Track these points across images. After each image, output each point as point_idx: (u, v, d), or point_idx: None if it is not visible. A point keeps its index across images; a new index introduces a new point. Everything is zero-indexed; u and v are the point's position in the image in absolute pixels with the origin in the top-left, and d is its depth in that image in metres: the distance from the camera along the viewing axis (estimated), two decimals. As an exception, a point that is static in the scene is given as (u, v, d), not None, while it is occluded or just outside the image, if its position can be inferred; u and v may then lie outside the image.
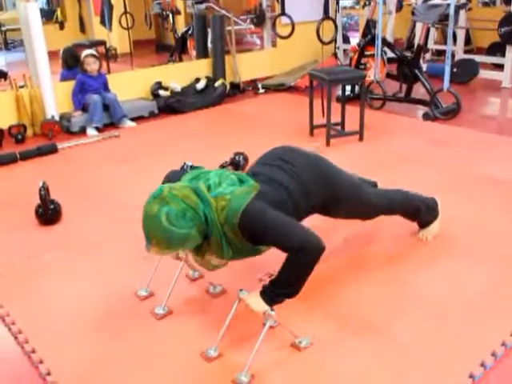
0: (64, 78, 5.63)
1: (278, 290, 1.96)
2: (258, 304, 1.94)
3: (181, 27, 7.81)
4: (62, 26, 8.18)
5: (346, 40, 8.17)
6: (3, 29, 6.94)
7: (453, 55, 6.08)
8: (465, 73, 6.51)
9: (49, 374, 1.97)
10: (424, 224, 2.80)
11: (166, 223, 1.87)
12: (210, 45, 6.57)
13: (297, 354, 2.01)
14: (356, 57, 5.97)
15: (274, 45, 7.20)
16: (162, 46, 8.42)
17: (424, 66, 6.39)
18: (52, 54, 5.29)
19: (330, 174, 2.38)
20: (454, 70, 6.25)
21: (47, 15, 8.00)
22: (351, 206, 2.49)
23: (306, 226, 2.04)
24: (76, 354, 2.07)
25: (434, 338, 2.06)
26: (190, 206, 1.92)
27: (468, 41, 7.75)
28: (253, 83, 6.73)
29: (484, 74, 6.53)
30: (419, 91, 5.53)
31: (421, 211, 2.74)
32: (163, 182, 2.34)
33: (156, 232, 1.89)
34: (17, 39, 6.60)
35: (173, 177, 2.31)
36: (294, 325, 2.06)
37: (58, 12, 8.18)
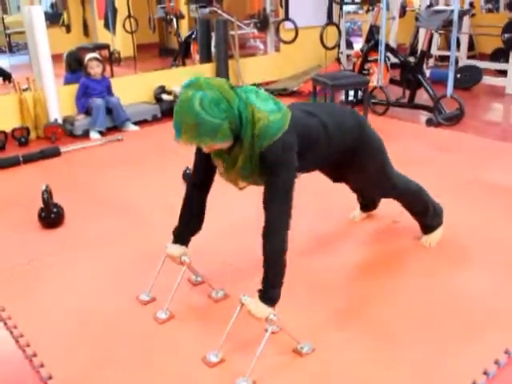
0: (67, 82, 5.64)
1: (269, 283, 1.96)
2: (260, 309, 1.93)
3: (184, 31, 7.82)
4: (68, 30, 8.18)
5: (350, 45, 8.18)
6: (7, 32, 6.95)
7: (456, 61, 6.08)
8: (468, 79, 6.50)
9: (50, 377, 1.96)
10: (428, 228, 2.80)
11: (199, 108, 1.81)
12: (213, 49, 6.57)
13: (299, 360, 2.01)
14: (359, 62, 5.97)
15: (277, 49, 7.21)
16: (166, 50, 8.42)
17: (427, 72, 6.39)
18: (56, 57, 5.30)
19: (365, 123, 2.43)
20: (458, 75, 6.24)
21: (53, 18, 8.00)
22: (371, 166, 2.47)
23: (290, 206, 2.01)
24: (77, 358, 2.07)
25: (437, 345, 2.06)
26: (225, 96, 1.87)
27: (471, 47, 7.75)
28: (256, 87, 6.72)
29: (487, 80, 6.53)
30: (422, 97, 5.53)
31: (429, 210, 2.73)
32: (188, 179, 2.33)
33: (187, 117, 1.83)
34: (21, 42, 6.60)
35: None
36: (296, 330, 2.06)
37: (65, 15, 8.19)
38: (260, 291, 1.96)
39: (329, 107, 2.40)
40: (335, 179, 2.68)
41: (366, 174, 2.51)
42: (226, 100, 1.87)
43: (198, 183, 2.27)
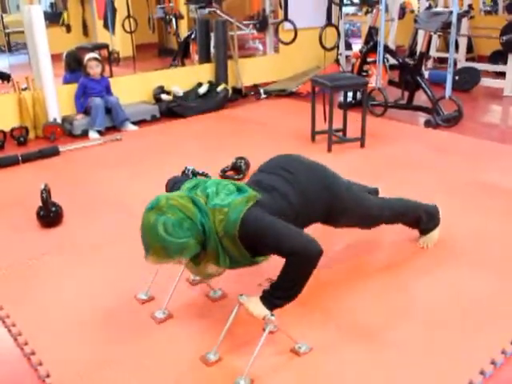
0: (67, 81, 5.65)
1: (278, 294, 1.96)
2: (258, 309, 1.94)
3: (184, 32, 7.83)
4: (68, 29, 8.19)
5: (348, 46, 8.19)
6: (7, 31, 6.95)
7: (455, 63, 6.09)
8: (467, 81, 6.52)
9: (48, 376, 1.97)
10: (424, 231, 2.80)
11: (163, 233, 1.87)
12: (212, 49, 6.58)
13: (296, 360, 2.01)
14: (358, 63, 5.98)
15: (276, 50, 7.23)
16: (165, 50, 8.43)
17: (426, 74, 6.41)
18: (55, 57, 5.30)
19: (333, 184, 2.37)
20: (456, 77, 6.26)
21: (53, 18, 8.00)
22: (353, 217, 2.50)
23: (303, 231, 2.04)
24: (75, 357, 2.07)
25: (434, 346, 2.06)
26: (187, 215, 1.91)
27: (470, 49, 7.76)
28: (255, 88, 6.75)
29: (486, 82, 6.54)
30: (421, 98, 5.54)
31: (422, 220, 2.74)
32: (166, 190, 2.35)
33: (153, 242, 1.89)
34: (20, 42, 6.60)
35: (173, 185, 2.32)
36: (294, 330, 2.06)
37: (65, 15, 8.19)
38: (264, 292, 1.97)
39: (297, 176, 2.26)
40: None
41: (350, 222, 2.54)
42: (188, 218, 1.91)
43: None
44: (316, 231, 2.62)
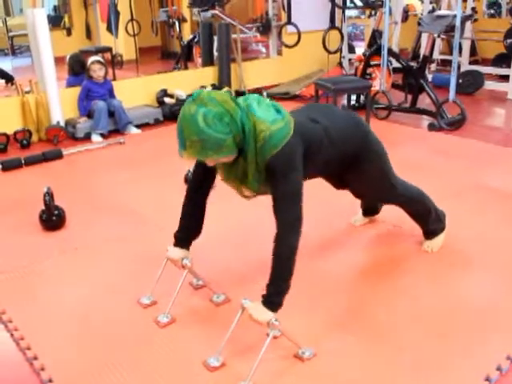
0: (70, 84, 5.65)
1: (273, 290, 1.95)
2: (261, 313, 1.93)
3: (187, 35, 7.84)
4: (69, 32, 8.20)
5: (352, 49, 8.19)
6: (10, 34, 6.97)
7: (458, 66, 6.08)
8: (470, 84, 6.51)
9: (50, 380, 1.96)
10: (430, 233, 2.79)
11: (203, 124, 1.83)
12: (215, 53, 6.58)
13: (300, 365, 2.00)
14: (362, 66, 5.98)
15: (279, 53, 7.22)
16: (168, 54, 8.45)
17: (429, 77, 6.40)
18: (59, 60, 5.31)
19: (367, 130, 2.44)
20: (460, 80, 6.25)
21: (54, 21, 8.03)
22: (374, 173, 2.48)
23: (301, 212, 2.00)
24: (78, 362, 2.06)
25: (439, 351, 2.05)
26: (227, 110, 1.88)
27: (473, 52, 7.75)
28: (258, 91, 6.74)
29: (489, 85, 6.53)
30: (424, 101, 5.53)
31: (431, 215, 2.73)
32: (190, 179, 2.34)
33: (191, 132, 1.84)
34: (23, 45, 6.63)
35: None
36: (298, 335, 2.05)
37: (66, 18, 8.21)
38: (263, 296, 1.96)
39: (332, 113, 2.38)
40: (338, 186, 2.68)
41: (369, 180, 2.52)
42: (228, 114, 1.88)
43: (198, 187, 2.27)
44: (317, 235, 2.63)
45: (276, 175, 1.97)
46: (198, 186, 2.27)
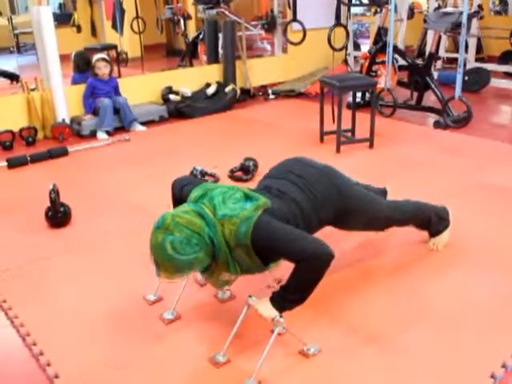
0: (75, 82, 5.66)
1: (288, 297, 1.95)
2: (267, 310, 1.93)
3: (192, 32, 7.84)
4: (79, 30, 8.22)
5: (357, 47, 8.17)
6: (16, 32, 6.98)
7: (464, 63, 6.07)
8: (476, 81, 6.48)
9: (56, 376, 1.96)
10: (434, 233, 2.78)
11: (172, 251, 1.87)
12: (220, 50, 6.58)
13: (305, 362, 2.00)
14: (367, 64, 5.96)
15: (284, 51, 7.21)
16: (173, 51, 8.44)
17: (435, 74, 6.38)
18: (64, 58, 5.31)
19: (342, 186, 2.37)
20: (466, 78, 6.22)
21: (63, 19, 8.04)
22: (363, 219, 2.49)
23: (314, 236, 2.03)
24: (83, 358, 2.07)
25: (444, 349, 2.04)
26: (194, 231, 1.91)
27: (479, 49, 7.72)
28: (263, 89, 6.74)
29: (496, 82, 6.50)
30: (430, 99, 5.52)
31: (432, 221, 2.73)
32: (172, 193, 2.36)
33: (163, 260, 1.90)
34: (29, 42, 6.64)
35: (180, 188, 2.30)
36: (303, 332, 2.05)
37: (76, 16, 8.22)
38: (274, 294, 1.96)
39: (307, 179, 2.28)
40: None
41: (360, 225, 2.55)
42: (195, 234, 1.91)
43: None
44: (324, 234, 2.61)
45: (268, 246, 1.97)
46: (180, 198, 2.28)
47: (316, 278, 1.94)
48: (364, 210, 2.45)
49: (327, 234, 2.87)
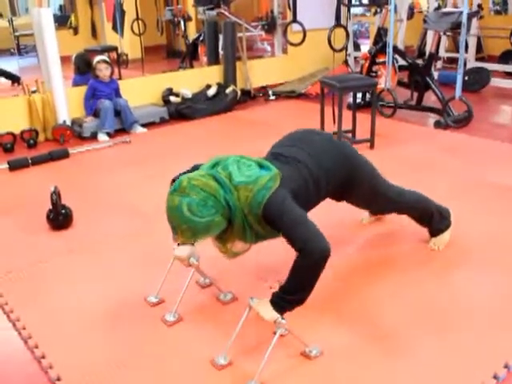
0: (76, 84, 5.67)
1: (287, 297, 1.95)
2: (268, 312, 1.93)
3: (192, 33, 7.84)
4: (76, 32, 8.23)
5: (357, 47, 8.17)
6: (16, 34, 6.99)
7: (464, 63, 6.07)
8: (476, 81, 6.48)
9: (58, 379, 1.97)
10: (435, 232, 2.78)
11: (188, 214, 1.89)
12: (221, 51, 6.59)
13: (307, 363, 2.00)
14: (367, 64, 5.96)
15: (284, 52, 7.21)
16: (173, 53, 8.45)
17: (435, 74, 6.38)
18: (65, 59, 5.32)
19: (351, 154, 2.42)
20: (466, 78, 6.22)
21: (61, 20, 8.05)
22: (368, 192, 2.50)
23: (317, 228, 2.01)
24: (86, 360, 2.07)
25: (446, 349, 2.05)
26: (210, 193, 1.92)
27: (479, 49, 7.72)
28: (264, 90, 6.74)
29: (496, 82, 6.50)
30: (430, 99, 5.52)
31: (434, 217, 2.73)
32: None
33: (180, 223, 1.92)
34: (29, 44, 6.65)
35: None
36: (305, 333, 2.05)
37: (72, 17, 8.23)
38: (274, 295, 1.96)
39: (317, 147, 2.33)
40: (337, 201, 2.68)
41: (364, 199, 2.57)
42: (211, 196, 1.92)
43: None
44: (325, 233, 2.61)
45: (275, 220, 1.99)
46: None
47: (314, 275, 1.94)
48: (369, 183, 2.48)
49: (330, 233, 2.87)
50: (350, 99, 5.11)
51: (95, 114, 5.20)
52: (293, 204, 2.03)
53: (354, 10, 7.75)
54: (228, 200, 1.95)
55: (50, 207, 3.16)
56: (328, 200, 3.17)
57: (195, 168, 2.25)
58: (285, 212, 1.98)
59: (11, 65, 6.51)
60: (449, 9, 6.53)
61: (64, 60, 5.28)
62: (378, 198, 2.57)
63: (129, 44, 7.66)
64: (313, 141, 2.36)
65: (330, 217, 3.11)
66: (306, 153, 2.26)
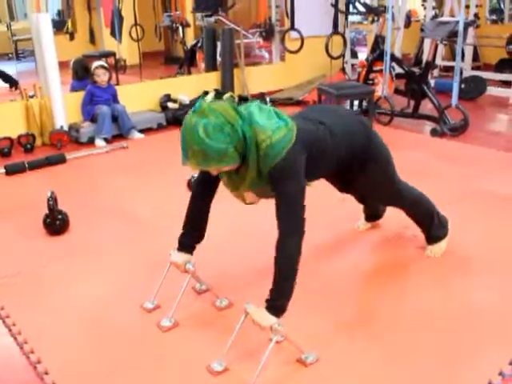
0: (74, 89, 5.67)
1: (276, 295, 1.96)
2: (264, 318, 1.93)
3: (190, 40, 7.85)
4: (72, 37, 8.24)
5: (354, 55, 8.21)
6: (14, 39, 7.00)
7: (461, 72, 6.09)
8: (473, 89, 6.51)
9: (54, 384, 1.97)
10: (433, 239, 2.79)
11: (203, 135, 1.86)
12: (218, 58, 6.60)
13: (303, 370, 2.00)
14: (364, 72, 5.99)
15: (282, 59, 7.24)
16: (172, 59, 8.47)
17: (432, 82, 6.40)
18: (62, 65, 5.32)
19: (372, 131, 2.47)
20: (462, 86, 6.25)
21: (58, 26, 8.06)
22: (378, 175, 2.50)
23: (303, 213, 2.02)
24: (81, 366, 2.07)
25: (442, 356, 2.05)
26: (228, 120, 1.91)
27: (476, 57, 7.76)
28: (261, 97, 6.75)
29: (492, 90, 6.53)
30: (427, 107, 5.54)
31: (434, 220, 2.74)
32: (192, 191, 2.38)
33: (192, 143, 1.89)
34: (27, 49, 6.65)
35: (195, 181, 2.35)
36: (301, 340, 2.05)
37: (69, 23, 8.25)
38: (267, 301, 1.96)
39: (338, 114, 2.40)
40: (342, 188, 2.69)
41: (373, 182, 2.53)
42: (229, 124, 1.91)
43: (202, 192, 2.29)
44: (321, 240, 2.63)
45: (278, 181, 2.00)
46: (202, 191, 2.29)
47: (294, 262, 1.97)
48: (384, 162, 2.49)
49: (325, 240, 2.88)
50: (347, 106, 5.13)
51: (93, 119, 5.21)
52: (301, 172, 2.02)
53: (351, 18, 7.80)
54: (245, 132, 1.94)
55: (47, 212, 3.16)
56: (325, 207, 3.19)
57: (190, 184, 2.27)
58: (291, 181, 1.99)
59: (9, 69, 6.51)
60: (446, 18, 6.56)
61: (62, 65, 5.29)
62: (385, 184, 2.56)
63: (127, 50, 7.67)
64: (336, 110, 2.44)
65: (327, 223, 3.13)
66: (329, 118, 2.28)
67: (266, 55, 8.16)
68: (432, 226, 2.76)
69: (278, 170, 1.97)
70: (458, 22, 4.86)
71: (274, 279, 1.97)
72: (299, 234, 1.99)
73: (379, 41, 5.89)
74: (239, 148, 1.94)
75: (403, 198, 2.65)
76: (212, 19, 6.73)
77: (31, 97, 5.17)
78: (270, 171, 1.98)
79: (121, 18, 7.52)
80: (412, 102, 5.47)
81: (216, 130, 1.87)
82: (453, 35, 4.98)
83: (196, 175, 3.69)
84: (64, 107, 5.14)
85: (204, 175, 2.25)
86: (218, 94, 5.90)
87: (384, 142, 2.51)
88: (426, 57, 5.76)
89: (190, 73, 7.24)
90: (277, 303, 1.95)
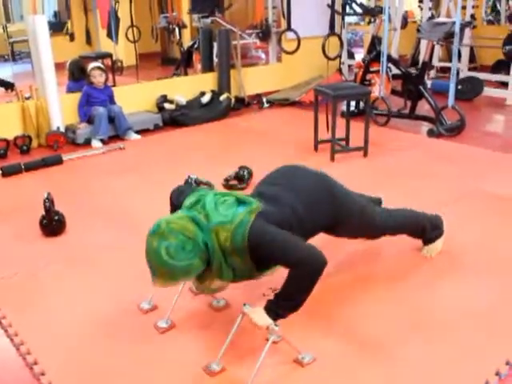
0: (70, 90, 5.67)
1: (282, 305, 1.96)
2: (261, 318, 1.93)
3: (187, 41, 7.85)
4: (72, 38, 8.24)
5: (351, 55, 8.21)
6: (11, 40, 6.99)
7: (457, 73, 6.10)
8: (469, 90, 6.52)
9: (50, 386, 1.96)
10: (428, 241, 2.80)
11: (166, 257, 1.88)
12: (215, 59, 6.60)
13: (300, 370, 2.00)
14: (361, 73, 5.99)
15: (279, 60, 7.24)
16: (168, 60, 8.47)
17: (428, 83, 6.42)
18: (59, 66, 5.32)
19: (337, 192, 2.38)
20: (459, 87, 6.26)
21: (57, 27, 8.06)
22: (357, 226, 2.50)
23: (308, 243, 2.04)
24: (78, 367, 2.07)
25: (438, 357, 2.05)
26: (188, 237, 1.92)
27: (472, 58, 7.78)
28: (258, 97, 6.75)
29: (488, 91, 6.54)
30: (423, 108, 5.55)
31: (426, 230, 2.74)
32: (170, 202, 2.37)
33: (158, 266, 1.91)
34: (24, 51, 6.64)
35: (178, 196, 2.32)
36: (298, 340, 2.05)
37: (69, 24, 8.25)
38: (268, 302, 1.97)
39: (300, 185, 2.30)
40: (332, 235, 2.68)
41: (352, 232, 2.56)
42: (189, 240, 1.92)
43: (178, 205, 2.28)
44: (319, 241, 2.62)
45: (265, 247, 1.98)
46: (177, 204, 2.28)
47: (309, 285, 1.95)
48: (358, 216, 2.47)
49: (321, 242, 2.87)
50: (344, 107, 5.13)
51: (89, 120, 5.20)
52: (274, 228, 2.02)
53: (348, 19, 7.80)
54: (206, 241, 1.95)
55: (43, 213, 3.15)
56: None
57: (179, 194, 2.29)
58: (271, 236, 1.98)
59: (5, 71, 6.50)
60: (442, 19, 6.58)
61: (58, 66, 5.28)
62: (368, 228, 2.58)
63: (123, 51, 7.67)
64: (300, 180, 2.32)
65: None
66: (292, 193, 2.22)
67: (263, 56, 8.16)
68: (425, 233, 2.77)
69: (255, 241, 1.96)
70: (454, 23, 4.87)
71: (285, 289, 1.96)
72: (321, 257, 1.95)
73: (376, 42, 5.90)
74: (203, 257, 1.96)
75: (388, 228, 2.65)
76: (208, 20, 6.73)
77: (27, 98, 5.17)
78: (250, 248, 1.97)
79: (117, 20, 7.51)
80: (409, 103, 5.48)
81: (178, 250, 1.90)
82: (449, 36, 4.99)
83: (193, 176, 3.72)
84: (60, 108, 5.14)
85: (181, 187, 2.27)
86: (215, 95, 5.88)
87: (349, 195, 2.46)
88: (422, 58, 5.77)
89: (186, 74, 7.24)
90: (279, 311, 1.95)
